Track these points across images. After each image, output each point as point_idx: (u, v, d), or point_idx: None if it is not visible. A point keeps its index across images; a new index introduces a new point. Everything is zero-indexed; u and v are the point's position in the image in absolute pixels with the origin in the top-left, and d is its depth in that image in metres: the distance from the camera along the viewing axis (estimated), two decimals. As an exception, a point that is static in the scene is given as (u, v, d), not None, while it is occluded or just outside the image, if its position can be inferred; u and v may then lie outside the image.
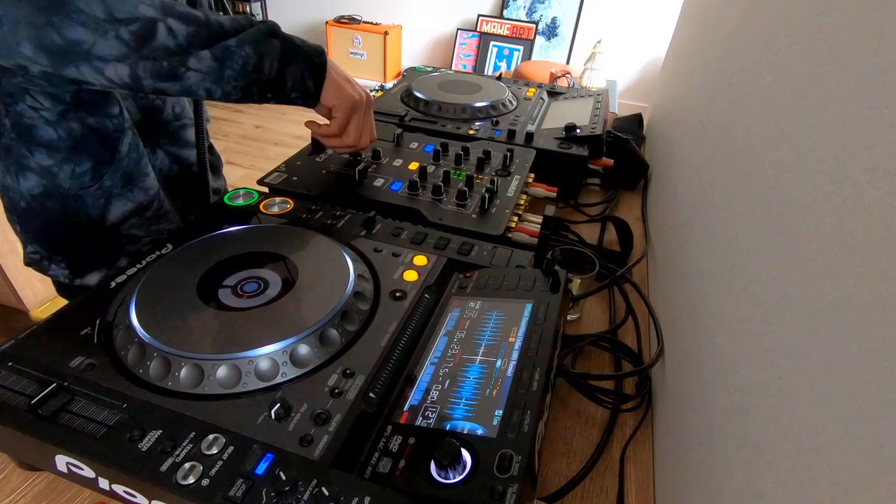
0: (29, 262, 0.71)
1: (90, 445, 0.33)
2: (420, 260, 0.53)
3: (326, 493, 0.31)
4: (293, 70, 0.55)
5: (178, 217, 0.75)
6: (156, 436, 0.34)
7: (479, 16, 3.56)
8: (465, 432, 0.35)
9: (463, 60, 3.66)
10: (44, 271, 0.71)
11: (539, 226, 0.65)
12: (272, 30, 0.54)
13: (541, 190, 0.81)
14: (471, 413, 0.37)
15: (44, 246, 0.69)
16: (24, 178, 0.62)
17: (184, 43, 0.48)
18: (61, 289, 0.76)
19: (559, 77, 1.50)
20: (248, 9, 3.98)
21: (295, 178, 0.69)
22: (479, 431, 0.35)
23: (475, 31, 3.58)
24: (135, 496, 0.34)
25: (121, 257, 0.71)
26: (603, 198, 0.94)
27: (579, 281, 0.62)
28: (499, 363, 0.40)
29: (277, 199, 0.62)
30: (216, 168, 0.87)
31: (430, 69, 1.14)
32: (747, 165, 0.45)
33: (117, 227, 0.67)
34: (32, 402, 0.35)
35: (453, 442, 0.33)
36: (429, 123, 0.89)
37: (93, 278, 0.71)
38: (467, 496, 0.31)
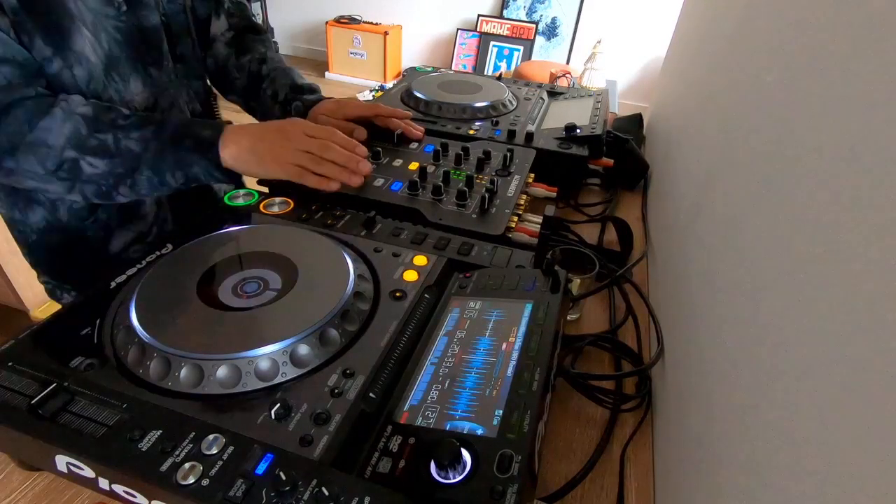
0: (47, 291, 0.74)
1: (90, 445, 0.33)
2: (420, 260, 0.53)
3: (326, 493, 0.31)
4: (195, 169, 0.60)
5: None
6: (156, 436, 0.34)
7: (479, 16, 3.56)
8: (465, 432, 0.35)
9: (463, 60, 3.66)
10: (58, 300, 0.74)
11: (539, 226, 0.65)
12: (169, 136, 0.58)
13: (541, 190, 0.81)
14: (471, 413, 0.37)
15: (53, 277, 0.72)
16: (31, 212, 0.65)
17: (104, 171, 0.57)
18: None
19: (559, 77, 1.51)
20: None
21: (295, 178, 0.69)
22: (479, 431, 0.35)
23: (475, 31, 3.58)
24: (135, 496, 0.34)
25: None
26: (603, 198, 0.94)
27: (579, 281, 0.62)
28: (499, 363, 0.40)
29: (277, 199, 0.62)
30: None
31: (430, 69, 1.14)
32: (747, 165, 0.45)
33: (119, 255, 0.69)
34: (32, 402, 0.35)
35: (453, 442, 0.33)
36: (429, 123, 0.89)
37: None
38: (467, 496, 0.31)
